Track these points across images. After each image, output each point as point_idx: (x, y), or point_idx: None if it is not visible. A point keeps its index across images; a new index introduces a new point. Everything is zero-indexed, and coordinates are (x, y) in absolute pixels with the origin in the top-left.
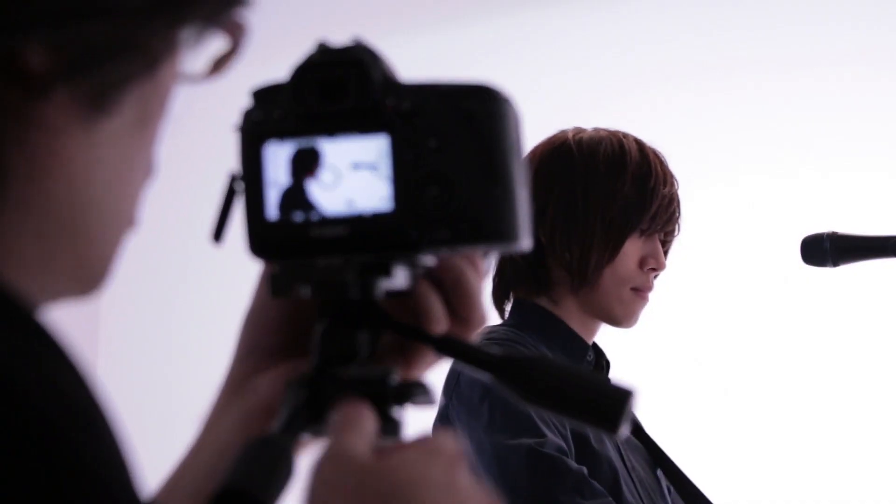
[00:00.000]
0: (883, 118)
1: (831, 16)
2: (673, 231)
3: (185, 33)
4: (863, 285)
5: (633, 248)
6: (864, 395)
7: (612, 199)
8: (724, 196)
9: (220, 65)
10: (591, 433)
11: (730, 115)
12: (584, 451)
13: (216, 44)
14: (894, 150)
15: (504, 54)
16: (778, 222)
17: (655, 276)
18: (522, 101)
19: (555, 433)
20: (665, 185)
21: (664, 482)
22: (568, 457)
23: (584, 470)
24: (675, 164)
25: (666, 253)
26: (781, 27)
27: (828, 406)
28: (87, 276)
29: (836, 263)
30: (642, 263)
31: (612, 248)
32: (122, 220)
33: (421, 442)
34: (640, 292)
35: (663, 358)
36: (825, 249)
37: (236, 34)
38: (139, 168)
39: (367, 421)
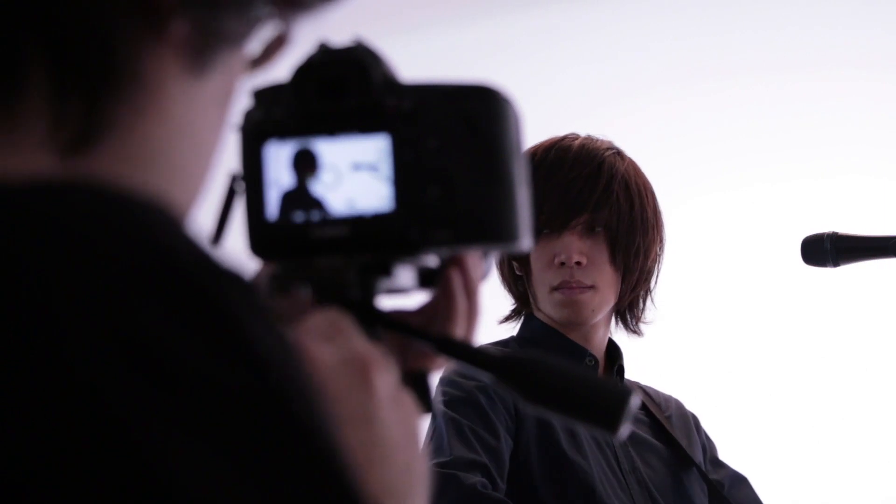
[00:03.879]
0: (883, 120)
1: (832, 19)
2: (597, 208)
3: (265, 10)
4: (863, 285)
5: (537, 252)
6: (865, 395)
7: None
8: (725, 196)
9: (270, 55)
10: (567, 438)
11: (731, 117)
12: (549, 455)
13: None
14: (894, 152)
15: (504, 54)
16: (778, 223)
17: (580, 266)
18: (523, 102)
19: (474, 450)
20: (546, 181)
21: (696, 483)
22: (480, 474)
23: (479, 484)
24: (677, 166)
25: (630, 230)
26: (784, 30)
27: (827, 406)
28: None
29: (836, 263)
30: (554, 261)
31: (524, 260)
32: (196, 186)
33: None
34: (563, 290)
35: (660, 359)
36: (826, 249)
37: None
38: (217, 142)
39: None
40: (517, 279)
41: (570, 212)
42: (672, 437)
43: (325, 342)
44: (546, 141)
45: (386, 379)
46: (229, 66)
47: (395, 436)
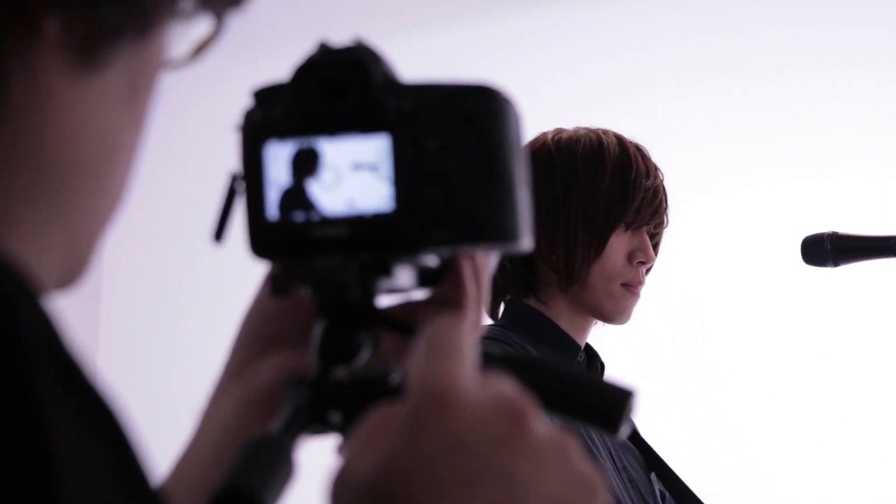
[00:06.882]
0: (883, 120)
1: (832, 19)
2: (662, 223)
3: (180, 5)
4: (863, 285)
5: (619, 243)
6: (865, 395)
7: (593, 195)
8: (725, 196)
9: (200, 50)
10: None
11: (731, 117)
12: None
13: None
14: (894, 152)
15: (504, 54)
16: (778, 223)
17: (648, 271)
18: (523, 102)
19: None
20: (647, 178)
21: (657, 485)
22: None
23: None
24: (677, 165)
25: (656, 246)
26: (784, 30)
27: (827, 407)
28: (74, 258)
29: (836, 263)
30: (630, 258)
31: (598, 244)
32: (113, 193)
33: (423, 418)
34: (631, 287)
35: (662, 359)
36: (826, 249)
37: (221, 19)
38: (130, 141)
39: (372, 421)
40: (521, 261)
41: (655, 215)
42: (640, 437)
43: (483, 382)
44: (592, 133)
45: (544, 430)
46: (132, 59)
47: (545, 496)
